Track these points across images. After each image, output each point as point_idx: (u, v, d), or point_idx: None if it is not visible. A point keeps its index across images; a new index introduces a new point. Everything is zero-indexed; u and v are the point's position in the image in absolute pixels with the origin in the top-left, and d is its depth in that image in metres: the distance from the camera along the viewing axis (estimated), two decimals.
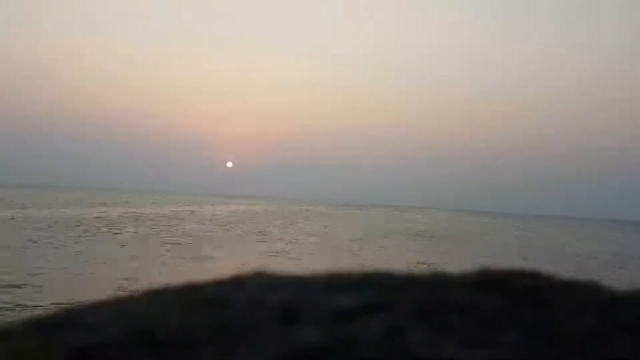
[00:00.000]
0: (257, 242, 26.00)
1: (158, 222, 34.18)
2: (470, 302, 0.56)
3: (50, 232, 24.53)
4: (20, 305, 11.06)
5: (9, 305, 10.89)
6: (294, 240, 27.77)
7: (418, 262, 20.67)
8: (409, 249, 27.42)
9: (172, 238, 24.96)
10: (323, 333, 0.51)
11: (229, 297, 0.59)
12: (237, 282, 0.64)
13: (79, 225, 28.64)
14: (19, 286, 12.55)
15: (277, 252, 22.36)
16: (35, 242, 20.50)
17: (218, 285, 0.64)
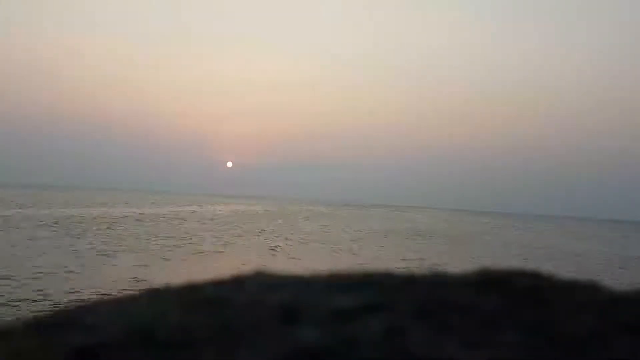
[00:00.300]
0: (257, 242, 26.00)
1: (159, 222, 34.19)
2: (470, 302, 0.56)
3: (51, 231, 24.53)
4: (20, 301, 11.07)
5: (12, 303, 10.90)
6: (294, 240, 27.77)
7: (418, 262, 20.68)
8: (409, 248, 27.41)
9: (174, 238, 24.96)
10: (323, 333, 0.51)
11: (229, 297, 0.59)
12: (237, 282, 0.64)
13: (81, 223, 28.64)
14: (19, 286, 12.56)
15: (277, 252, 22.36)
16: (33, 240, 20.52)
17: (218, 285, 0.64)
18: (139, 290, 0.65)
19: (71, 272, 14.92)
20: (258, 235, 29.25)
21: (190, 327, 0.53)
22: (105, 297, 0.66)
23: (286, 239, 28.51)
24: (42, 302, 11.14)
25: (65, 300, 11.29)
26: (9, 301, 11.21)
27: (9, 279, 13.38)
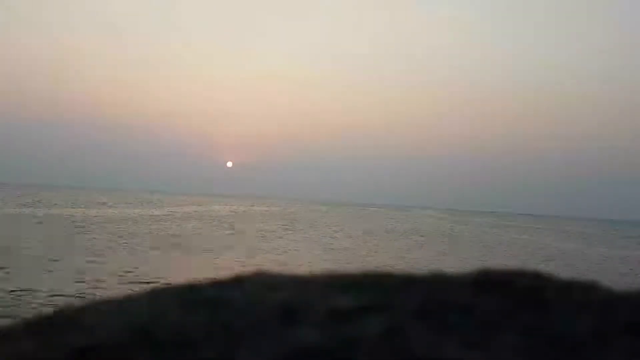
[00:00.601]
0: (257, 242, 26.00)
1: (161, 222, 34.20)
2: (470, 302, 0.56)
3: (56, 230, 24.56)
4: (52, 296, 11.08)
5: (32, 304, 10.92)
6: (294, 240, 27.77)
7: (417, 262, 20.68)
8: (409, 248, 27.41)
9: (179, 237, 24.98)
10: (323, 333, 0.51)
11: (229, 297, 0.59)
12: (237, 282, 0.64)
13: (83, 224, 28.66)
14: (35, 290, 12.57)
15: (277, 252, 22.37)
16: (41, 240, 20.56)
17: (218, 285, 0.64)
18: (139, 290, 0.65)
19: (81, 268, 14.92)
20: (258, 236, 29.26)
21: (190, 327, 0.53)
22: (105, 297, 0.66)
23: (286, 239, 28.53)
24: (43, 302, 11.15)
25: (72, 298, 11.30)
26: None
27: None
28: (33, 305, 10.81)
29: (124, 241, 22.46)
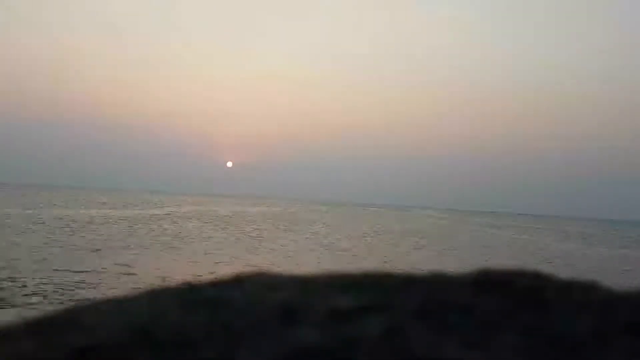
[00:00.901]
0: (257, 242, 25.98)
1: (163, 222, 34.18)
2: (470, 302, 0.56)
3: (62, 229, 24.55)
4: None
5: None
6: (294, 241, 27.75)
7: (417, 262, 20.66)
8: (409, 248, 27.39)
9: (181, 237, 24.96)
10: (323, 333, 0.51)
11: (229, 297, 0.59)
12: (237, 282, 0.64)
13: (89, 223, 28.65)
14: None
15: (277, 252, 22.35)
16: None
17: (218, 285, 0.64)
18: (139, 290, 0.65)
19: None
20: (259, 235, 29.23)
21: (190, 327, 0.53)
22: (105, 297, 0.66)
23: (287, 239, 28.51)
24: (47, 302, 11.14)
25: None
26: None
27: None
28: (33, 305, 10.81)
29: (121, 241, 22.44)
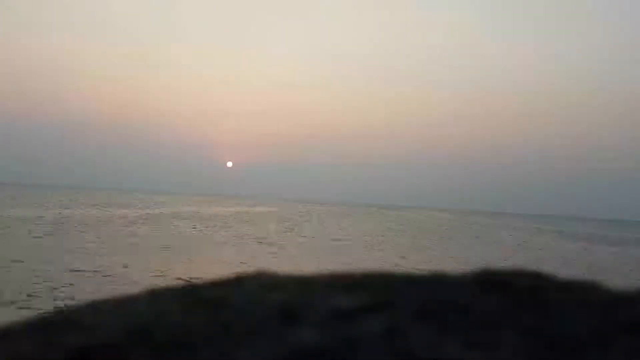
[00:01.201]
0: (259, 242, 26.00)
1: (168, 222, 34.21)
2: (470, 302, 0.56)
3: (69, 230, 24.60)
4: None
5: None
6: (294, 241, 27.78)
7: (418, 262, 20.67)
8: (409, 248, 27.41)
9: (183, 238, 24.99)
10: (323, 333, 0.51)
11: (229, 298, 0.59)
12: (237, 282, 0.64)
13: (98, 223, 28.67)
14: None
15: (279, 252, 22.37)
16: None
17: (218, 285, 0.64)
18: (139, 290, 0.65)
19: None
20: (259, 236, 29.26)
21: (190, 327, 0.53)
22: (105, 297, 0.66)
23: (287, 239, 28.54)
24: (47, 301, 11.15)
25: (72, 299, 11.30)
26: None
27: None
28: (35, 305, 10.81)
29: (121, 241, 22.46)
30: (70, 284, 13.33)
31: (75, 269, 15.21)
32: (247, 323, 0.53)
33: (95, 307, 0.61)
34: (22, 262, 15.61)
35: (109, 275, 14.75)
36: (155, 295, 0.63)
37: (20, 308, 10.61)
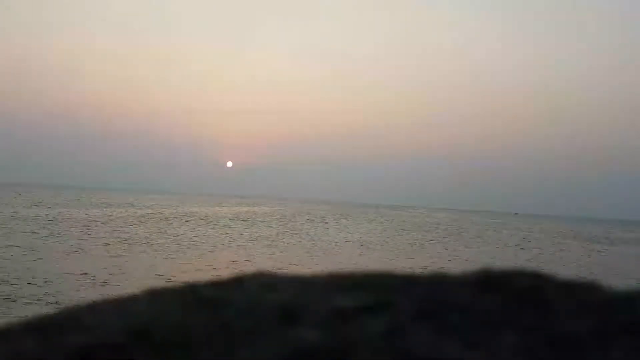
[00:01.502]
0: (258, 243, 25.99)
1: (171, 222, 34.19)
2: (470, 302, 0.56)
3: (78, 229, 24.59)
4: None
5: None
6: (294, 241, 27.78)
7: (418, 262, 20.67)
8: (408, 248, 27.41)
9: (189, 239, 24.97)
10: (323, 333, 0.51)
11: (229, 297, 0.59)
12: (237, 282, 0.64)
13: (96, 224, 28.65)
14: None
15: (279, 252, 22.36)
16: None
17: (218, 285, 0.64)
18: (139, 290, 0.65)
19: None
20: (260, 236, 29.23)
21: (190, 327, 0.53)
22: (105, 297, 0.66)
23: (287, 239, 28.53)
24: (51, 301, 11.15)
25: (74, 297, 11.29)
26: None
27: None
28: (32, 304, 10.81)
29: (121, 241, 22.46)
30: (71, 284, 13.32)
31: (76, 269, 15.21)
32: (247, 323, 0.53)
33: (95, 307, 0.61)
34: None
35: (110, 275, 14.74)
36: (155, 295, 0.63)
37: (26, 304, 10.61)
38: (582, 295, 0.59)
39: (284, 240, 27.84)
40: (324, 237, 31.55)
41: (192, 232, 28.84)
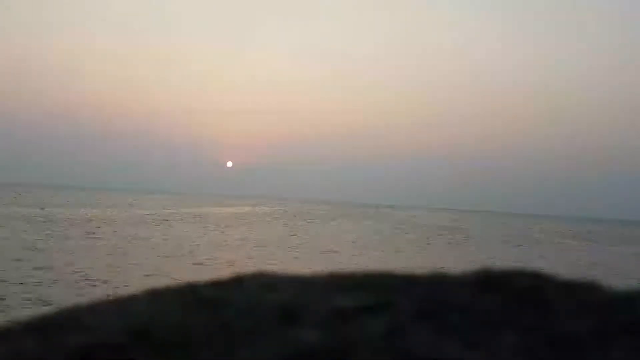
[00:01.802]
0: (258, 242, 25.98)
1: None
2: (470, 302, 0.56)
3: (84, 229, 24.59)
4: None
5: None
6: (294, 240, 27.76)
7: (418, 262, 20.66)
8: (408, 248, 27.40)
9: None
10: (323, 333, 0.51)
11: (229, 298, 0.59)
12: (237, 282, 0.64)
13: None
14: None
15: (279, 252, 22.35)
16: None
17: (218, 285, 0.64)
18: (139, 290, 0.65)
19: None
20: (260, 236, 29.22)
21: (190, 327, 0.53)
22: (105, 297, 0.66)
23: (288, 239, 28.52)
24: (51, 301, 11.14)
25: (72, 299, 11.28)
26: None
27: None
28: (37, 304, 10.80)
29: (121, 241, 22.44)
30: (71, 284, 13.31)
31: (76, 269, 15.19)
32: (247, 323, 0.53)
33: (95, 307, 0.61)
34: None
35: (110, 275, 14.73)
36: (155, 295, 0.63)
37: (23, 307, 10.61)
38: (582, 295, 0.59)
39: (284, 240, 27.82)
40: (324, 237, 31.51)
41: (191, 232, 28.82)
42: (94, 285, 13.20)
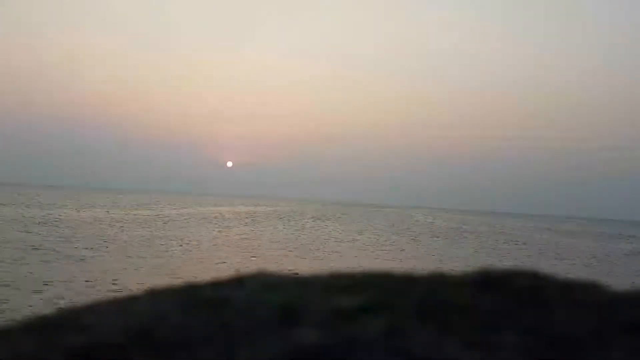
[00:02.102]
0: (258, 242, 26.00)
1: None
2: (470, 302, 0.56)
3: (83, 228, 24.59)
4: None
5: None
6: (294, 240, 27.79)
7: (418, 262, 20.68)
8: (408, 248, 27.42)
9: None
10: (323, 333, 0.51)
11: (229, 297, 0.59)
12: (237, 282, 0.64)
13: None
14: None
15: (279, 252, 22.36)
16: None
17: (218, 285, 0.64)
18: (139, 290, 0.65)
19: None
20: (261, 235, 29.24)
21: (190, 327, 0.53)
22: (106, 297, 0.66)
23: (288, 239, 28.54)
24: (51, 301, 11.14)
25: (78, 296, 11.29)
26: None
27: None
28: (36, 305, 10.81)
29: (122, 241, 22.47)
30: (70, 284, 13.32)
31: (76, 269, 15.21)
32: (247, 323, 0.53)
33: (95, 307, 0.61)
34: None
35: (110, 275, 14.74)
36: (155, 295, 0.63)
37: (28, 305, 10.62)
38: (582, 295, 0.59)
39: (284, 240, 27.84)
40: (324, 236, 31.54)
41: (191, 232, 28.84)
42: (94, 286, 13.21)
